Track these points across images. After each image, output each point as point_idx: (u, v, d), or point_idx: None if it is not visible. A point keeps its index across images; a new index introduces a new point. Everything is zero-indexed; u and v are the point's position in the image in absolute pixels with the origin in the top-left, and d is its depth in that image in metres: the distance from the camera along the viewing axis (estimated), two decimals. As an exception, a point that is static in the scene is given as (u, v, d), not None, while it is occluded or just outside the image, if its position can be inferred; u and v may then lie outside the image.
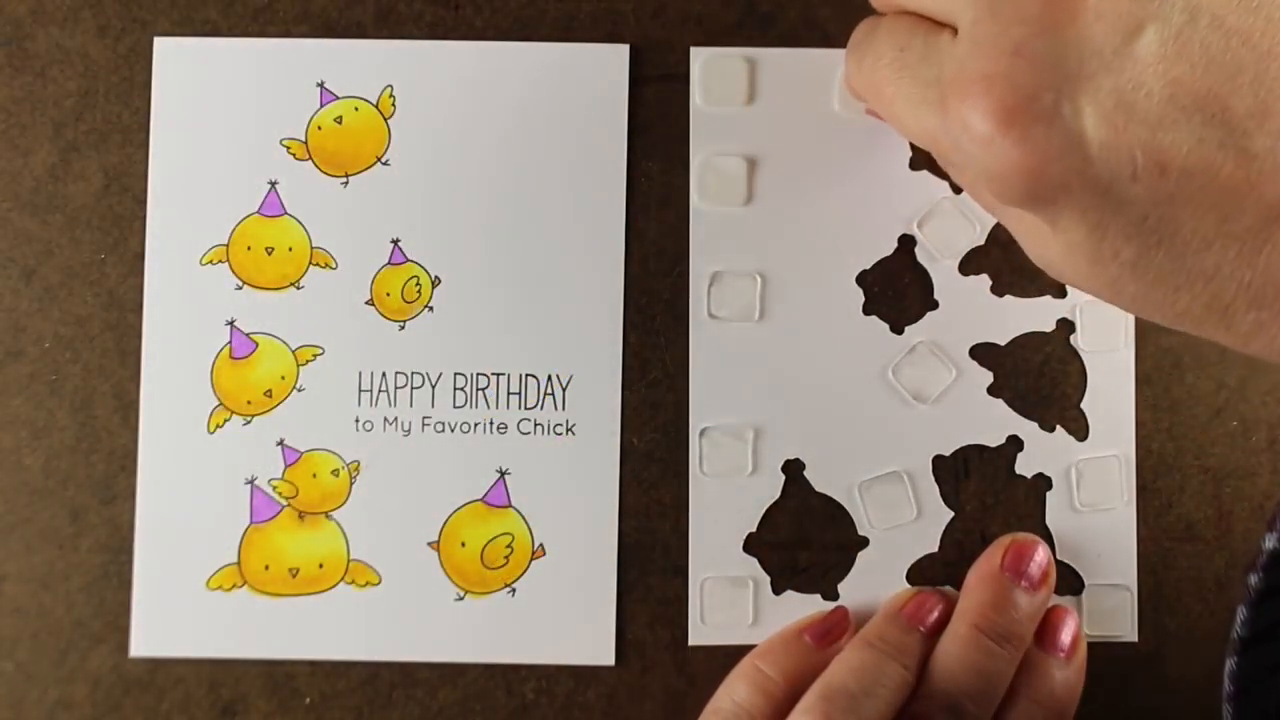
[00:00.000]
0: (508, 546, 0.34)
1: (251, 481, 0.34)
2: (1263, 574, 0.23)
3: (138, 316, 0.34)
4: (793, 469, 0.34)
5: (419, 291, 0.34)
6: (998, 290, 0.34)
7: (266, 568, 0.34)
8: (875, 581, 0.34)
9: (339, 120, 0.34)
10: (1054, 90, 0.22)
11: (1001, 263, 0.34)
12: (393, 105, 0.34)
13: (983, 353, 0.34)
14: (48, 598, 0.33)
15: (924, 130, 0.26)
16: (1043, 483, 0.34)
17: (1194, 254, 0.23)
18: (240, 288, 0.34)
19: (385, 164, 0.34)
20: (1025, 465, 0.34)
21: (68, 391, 0.34)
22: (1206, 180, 0.22)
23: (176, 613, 0.33)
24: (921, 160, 0.34)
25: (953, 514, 0.34)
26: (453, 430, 0.34)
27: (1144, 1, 0.22)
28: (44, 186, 0.34)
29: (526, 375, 0.34)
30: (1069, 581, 0.34)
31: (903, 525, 0.34)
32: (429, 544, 0.34)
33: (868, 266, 0.34)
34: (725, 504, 0.34)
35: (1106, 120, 0.22)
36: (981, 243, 0.34)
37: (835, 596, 0.34)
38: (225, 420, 0.34)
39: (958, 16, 0.24)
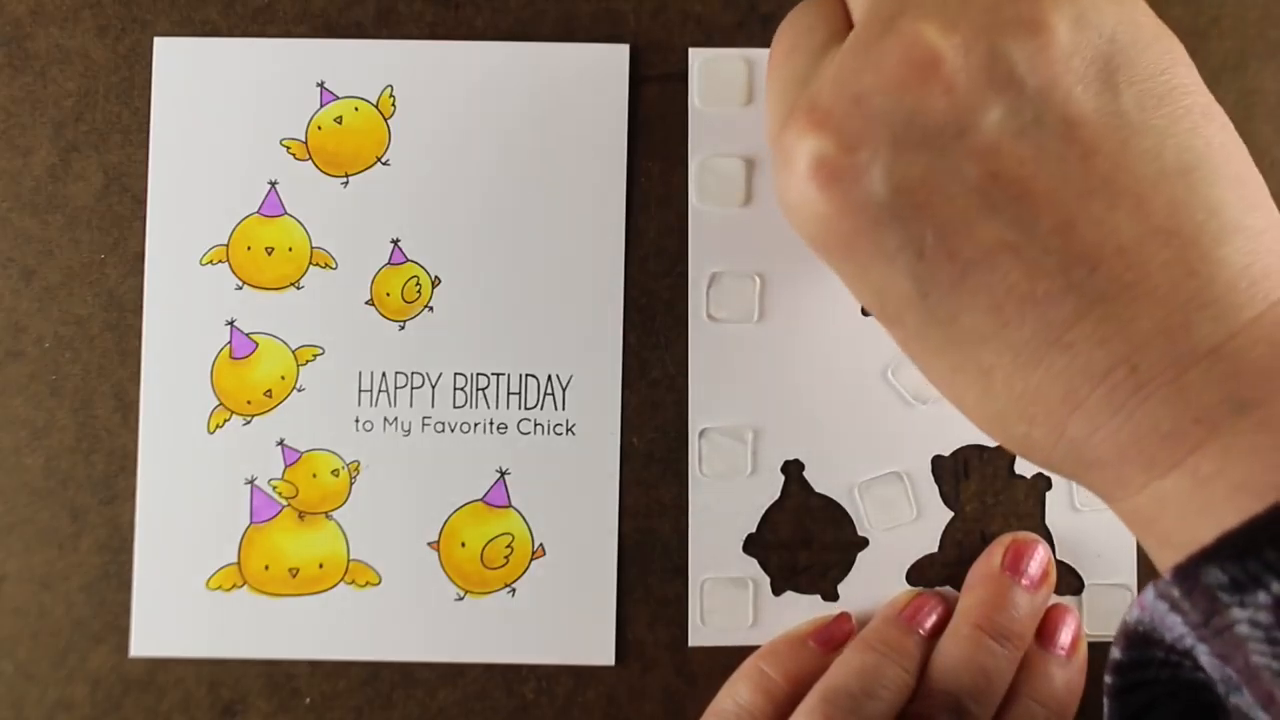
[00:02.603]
0: (508, 546, 0.34)
1: (251, 481, 0.34)
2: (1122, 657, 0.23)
3: (138, 316, 0.34)
4: (792, 469, 0.34)
5: (419, 291, 0.34)
6: (997, 290, 0.34)
7: (266, 568, 0.34)
8: (875, 582, 0.34)
9: (339, 120, 0.34)
10: (871, 150, 0.22)
11: (1001, 263, 0.34)
12: (393, 105, 0.34)
13: (982, 353, 0.34)
14: (48, 598, 0.33)
15: (768, 129, 0.25)
16: (1042, 482, 0.34)
17: (971, 344, 0.22)
18: (240, 288, 0.34)
19: (385, 164, 0.34)
20: (1024, 465, 0.34)
21: (68, 391, 0.34)
22: (993, 281, 0.21)
23: (176, 613, 0.33)
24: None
25: (952, 514, 0.34)
26: (453, 430, 0.34)
27: (999, 89, 0.21)
28: (44, 186, 0.34)
29: (526, 375, 0.34)
30: (1069, 581, 0.34)
31: (902, 526, 0.34)
32: (429, 544, 0.34)
33: (867, 267, 0.34)
34: (725, 505, 0.34)
35: (910, 194, 0.22)
36: (981, 243, 0.34)
37: (835, 597, 0.34)
38: (225, 420, 0.34)
39: (856, 18, 0.24)
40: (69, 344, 0.34)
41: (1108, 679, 0.22)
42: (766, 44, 0.34)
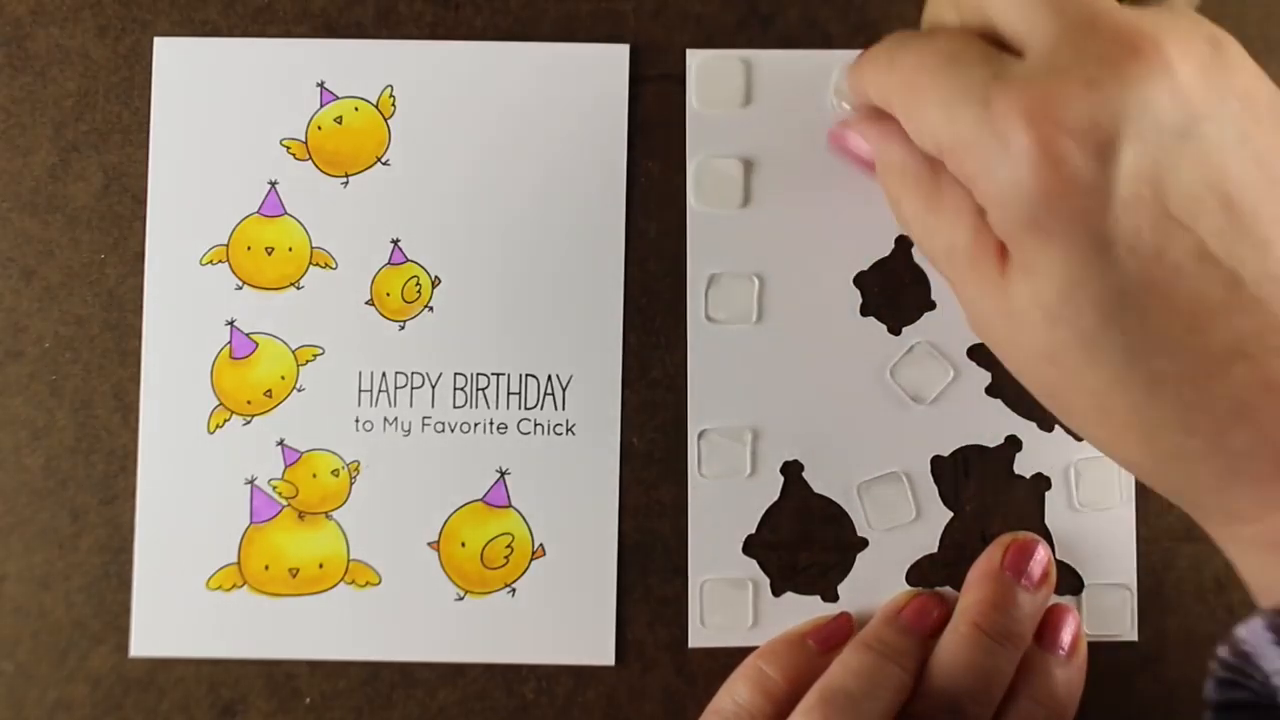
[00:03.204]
0: (508, 546, 0.34)
1: (251, 481, 0.34)
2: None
3: (138, 316, 0.34)
4: (791, 470, 0.34)
5: (419, 291, 0.34)
6: (997, 291, 0.34)
7: (266, 568, 0.34)
8: (875, 582, 0.34)
9: (339, 120, 0.34)
10: (1109, 132, 0.22)
11: (1001, 263, 0.34)
12: (393, 105, 0.34)
13: (981, 353, 0.34)
14: (48, 598, 0.33)
15: (950, 128, 0.25)
16: (1042, 482, 0.34)
17: (1149, 352, 0.23)
18: (240, 288, 0.34)
19: (385, 164, 0.34)
20: (1024, 465, 0.34)
21: (68, 391, 0.34)
22: (1195, 285, 0.22)
23: (176, 613, 0.33)
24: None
25: (952, 514, 0.34)
26: (453, 430, 0.34)
27: (1214, 102, 0.22)
28: (44, 186, 0.34)
29: (526, 375, 0.34)
30: (1069, 581, 0.34)
31: (902, 526, 0.34)
32: (429, 544, 0.34)
33: (865, 268, 0.34)
34: (724, 505, 0.34)
35: (1136, 184, 0.22)
36: (981, 243, 0.34)
37: (835, 598, 0.34)
38: (225, 420, 0.34)
39: (1034, 39, 0.24)
40: (69, 344, 0.34)
41: (1212, 665, 0.23)
42: (766, 45, 0.34)
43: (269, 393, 0.34)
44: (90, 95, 0.34)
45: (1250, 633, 0.22)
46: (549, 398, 0.34)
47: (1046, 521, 0.34)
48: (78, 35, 0.34)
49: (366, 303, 0.34)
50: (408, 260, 0.34)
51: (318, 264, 0.34)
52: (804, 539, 0.34)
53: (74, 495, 0.34)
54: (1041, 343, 0.24)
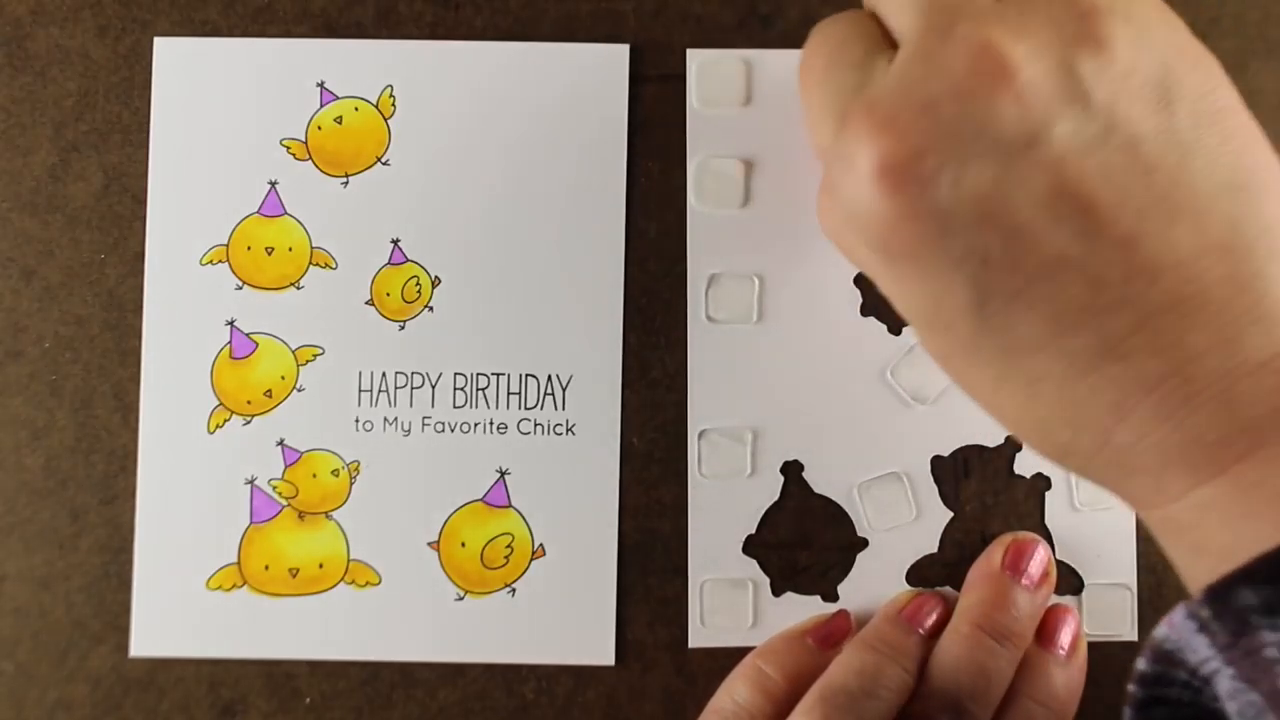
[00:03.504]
0: (508, 546, 0.34)
1: (251, 481, 0.34)
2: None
3: (138, 316, 0.34)
4: (792, 470, 0.34)
5: (419, 291, 0.34)
6: (997, 291, 0.34)
7: (266, 568, 0.34)
8: (875, 582, 0.34)
9: (339, 120, 0.34)
10: (941, 157, 0.22)
11: (1001, 263, 0.34)
12: (393, 105, 0.34)
13: (982, 353, 0.34)
14: (48, 598, 0.33)
15: (817, 141, 0.25)
16: (1041, 482, 0.34)
17: (1023, 353, 0.23)
18: (240, 288, 0.34)
19: (385, 164, 0.34)
20: (1024, 465, 0.34)
21: (68, 391, 0.34)
22: (1055, 292, 0.22)
23: (176, 613, 0.33)
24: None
25: (952, 514, 0.34)
26: (453, 430, 0.34)
27: (1066, 101, 0.22)
28: (44, 186, 0.34)
29: (526, 375, 0.34)
30: (1069, 581, 0.34)
31: (902, 526, 0.34)
32: (429, 544, 0.34)
33: (867, 267, 0.34)
34: (724, 505, 0.34)
35: (978, 203, 0.22)
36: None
37: (835, 598, 0.34)
38: (225, 420, 0.34)
39: (901, 36, 0.24)
40: (69, 344, 0.34)
41: (1131, 688, 0.22)
42: (766, 45, 0.34)
43: (269, 393, 0.34)
44: (90, 95, 0.34)
45: (1171, 627, 0.21)
46: (549, 398, 0.34)
47: (1046, 521, 0.34)
48: (78, 35, 0.34)
49: (366, 303, 0.34)
50: (408, 260, 0.34)
51: (318, 264, 0.34)
52: (804, 539, 0.34)
53: (74, 495, 0.34)
54: (927, 340, 0.25)
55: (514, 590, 0.34)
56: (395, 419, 0.34)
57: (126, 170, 0.34)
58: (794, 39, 0.34)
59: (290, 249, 0.34)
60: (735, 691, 0.32)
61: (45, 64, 0.34)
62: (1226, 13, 0.34)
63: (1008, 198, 0.22)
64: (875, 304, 0.34)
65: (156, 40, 0.34)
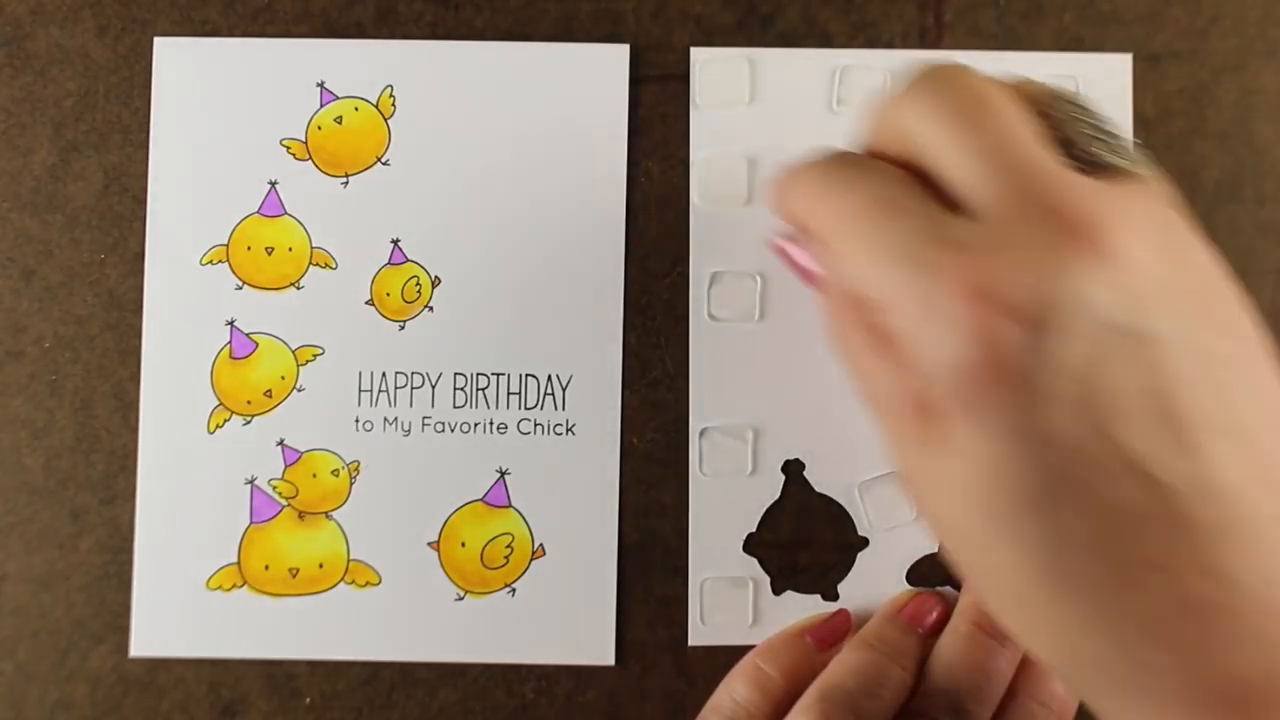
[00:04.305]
0: (508, 546, 0.34)
1: (251, 481, 0.34)
2: None
3: (138, 316, 0.34)
4: (792, 469, 0.34)
5: (419, 291, 0.34)
6: (997, 290, 0.34)
7: (266, 568, 0.34)
8: (875, 582, 0.34)
9: (339, 120, 0.34)
10: (1046, 321, 0.21)
11: (1001, 263, 0.34)
12: (393, 105, 0.34)
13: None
14: (48, 598, 0.33)
15: (883, 284, 0.23)
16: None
17: (1066, 551, 0.21)
18: (240, 288, 0.34)
19: (385, 164, 0.34)
20: (1025, 465, 0.34)
21: (68, 391, 0.34)
22: (1117, 491, 0.21)
23: (176, 613, 0.33)
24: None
25: (952, 514, 0.34)
26: (453, 430, 0.34)
27: (1165, 291, 0.21)
28: (44, 186, 0.34)
29: (526, 375, 0.34)
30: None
31: (903, 525, 0.34)
32: (429, 544, 0.34)
33: (867, 266, 0.34)
34: (725, 504, 0.34)
35: (1071, 378, 0.21)
36: (981, 243, 0.34)
37: (835, 597, 0.34)
38: (225, 420, 0.34)
39: (979, 199, 0.22)
40: (69, 344, 0.34)
41: None
42: (766, 45, 0.34)
43: (269, 393, 0.34)
44: (90, 95, 0.34)
45: None
46: (549, 398, 0.34)
47: (1047, 521, 0.34)
48: (78, 35, 0.34)
49: (366, 303, 0.34)
50: (408, 260, 0.34)
51: (318, 264, 0.34)
52: (805, 538, 0.34)
53: (74, 495, 0.34)
54: (960, 519, 0.23)
55: (514, 590, 0.33)
56: (395, 419, 0.34)
57: (126, 170, 0.34)
58: (794, 39, 0.34)
59: (290, 249, 0.34)
60: (734, 690, 0.32)
61: (45, 64, 0.34)
62: (1226, 13, 0.34)
63: (1097, 381, 0.21)
64: (875, 304, 0.34)
65: (156, 40, 0.34)
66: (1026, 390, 0.21)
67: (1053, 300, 0.21)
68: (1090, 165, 0.23)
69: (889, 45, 0.34)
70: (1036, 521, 0.21)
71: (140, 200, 0.34)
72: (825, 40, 0.34)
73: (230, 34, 0.34)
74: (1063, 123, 0.24)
